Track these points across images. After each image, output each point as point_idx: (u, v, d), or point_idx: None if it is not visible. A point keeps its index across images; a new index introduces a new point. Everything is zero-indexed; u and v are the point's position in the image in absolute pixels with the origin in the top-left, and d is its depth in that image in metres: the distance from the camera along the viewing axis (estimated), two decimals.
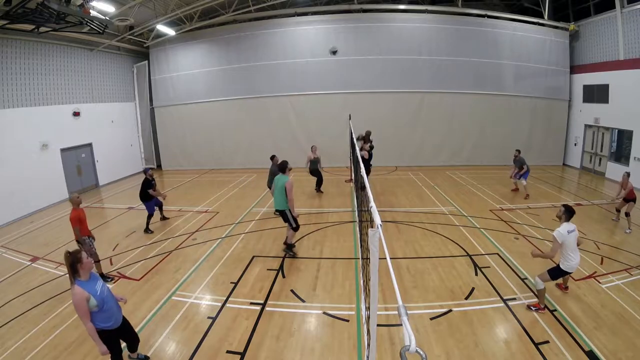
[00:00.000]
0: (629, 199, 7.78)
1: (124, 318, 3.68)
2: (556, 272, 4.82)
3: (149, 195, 8.56)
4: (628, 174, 7.89)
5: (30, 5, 8.19)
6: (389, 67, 14.93)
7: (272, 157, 9.46)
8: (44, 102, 11.48)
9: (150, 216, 8.72)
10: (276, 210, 6.92)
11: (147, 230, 8.62)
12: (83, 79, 13.24)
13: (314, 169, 11.28)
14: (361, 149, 8.63)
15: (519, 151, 10.81)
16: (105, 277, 6.16)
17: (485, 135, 15.33)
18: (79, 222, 5.80)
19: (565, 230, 4.65)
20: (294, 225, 6.74)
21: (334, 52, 13.41)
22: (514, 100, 15.13)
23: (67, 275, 3.31)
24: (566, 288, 5.42)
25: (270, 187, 8.64)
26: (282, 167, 6.79)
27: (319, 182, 11.69)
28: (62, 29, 9.96)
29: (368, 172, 8.39)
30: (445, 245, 7.24)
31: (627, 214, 7.77)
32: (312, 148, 11.30)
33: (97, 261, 6.11)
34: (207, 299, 5.57)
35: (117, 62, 15.27)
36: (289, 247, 6.97)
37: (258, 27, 15.25)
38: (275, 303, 5.34)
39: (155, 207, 8.87)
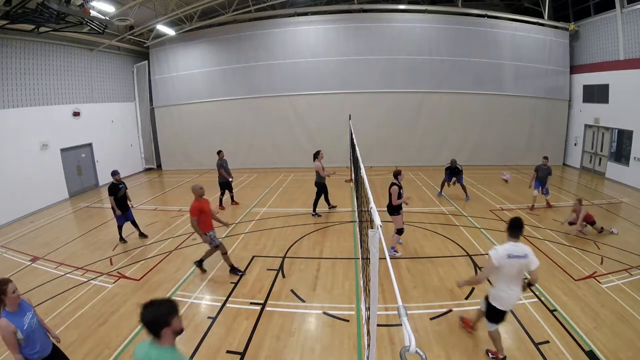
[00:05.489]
0: (590, 222, 7.54)
1: (54, 347, 3.40)
2: (489, 312, 3.79)
3: (121, 203, 7.76)
4: (580, 201, 7.56)
5: (30, 5, 8.20)
6: (388, 67, 14.93)
7: (219, 152, 10.25)
8: (44, 102, 11.48)
9: (119, 227, 7.91)
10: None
11: (121, 239, 7.94)
12: (83, 79, 13.24)
13: (321, 182, 9.07)
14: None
15: (547, 158, 9.36)
16: (237, 270, 6.25)
17: (485, 135, 15.33)
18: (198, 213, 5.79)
19: (504, 252, 3.61)
20: None
21: None
22: (514, 100, 15.13)
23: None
24: (472, 328, 4.41)
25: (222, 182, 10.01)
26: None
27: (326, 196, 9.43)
28: (62, 29, 9.98)
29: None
30: (445, 245, 7.24)
31: (601, 229, 7.54)
32: (319, 154, 9.14)
33: (224, 253, 6.18)
34: (207, 299, 5.57)
35: (117, 62, 15.26)
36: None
37: (258, 27, 15.26)
38: (275, 303, 5.34)
39: (125, 219, 7.89)
